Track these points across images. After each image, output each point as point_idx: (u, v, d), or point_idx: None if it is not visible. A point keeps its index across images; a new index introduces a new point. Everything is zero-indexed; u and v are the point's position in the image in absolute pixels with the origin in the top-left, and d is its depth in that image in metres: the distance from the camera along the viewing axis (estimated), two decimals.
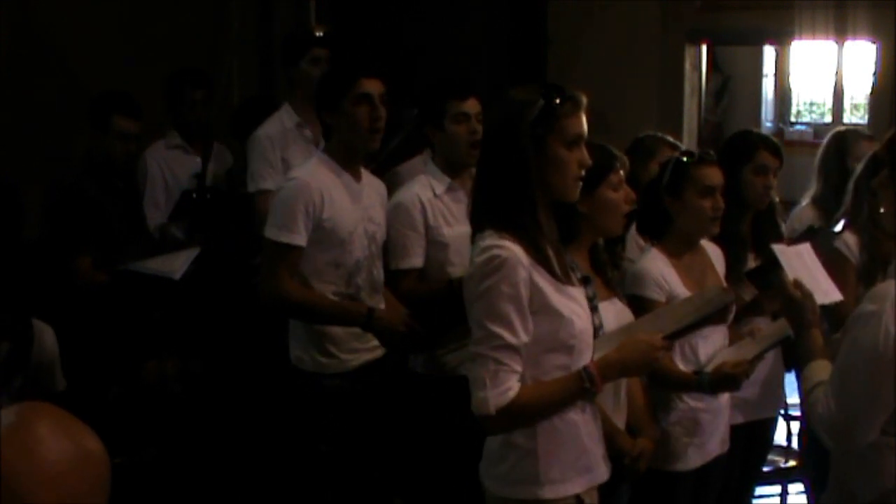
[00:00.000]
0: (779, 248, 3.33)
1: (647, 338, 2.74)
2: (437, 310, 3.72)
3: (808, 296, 2.91)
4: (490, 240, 2.59)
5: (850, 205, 4.09)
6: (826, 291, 3.21)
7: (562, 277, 2.65)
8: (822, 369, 2.72)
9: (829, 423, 2.62)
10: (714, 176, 3.54)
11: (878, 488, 2.66)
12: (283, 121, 4.68)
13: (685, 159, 3.56)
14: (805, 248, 3.47)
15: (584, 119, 2.67)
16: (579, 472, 2.73)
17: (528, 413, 2.63)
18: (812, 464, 4.42)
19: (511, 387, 2.57)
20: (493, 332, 2.55)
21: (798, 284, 2.95)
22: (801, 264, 3.24)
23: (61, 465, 1.31)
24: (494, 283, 2.55)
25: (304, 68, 4.76)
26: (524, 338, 2.57)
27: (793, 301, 2.91)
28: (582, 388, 2.65)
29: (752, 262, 3.92)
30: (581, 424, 2.73)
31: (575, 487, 2.72)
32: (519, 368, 2.58)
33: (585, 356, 2.70)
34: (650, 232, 3.70)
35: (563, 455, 2.69)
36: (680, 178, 3.54)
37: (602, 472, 2.83)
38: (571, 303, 2.66)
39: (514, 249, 2.56)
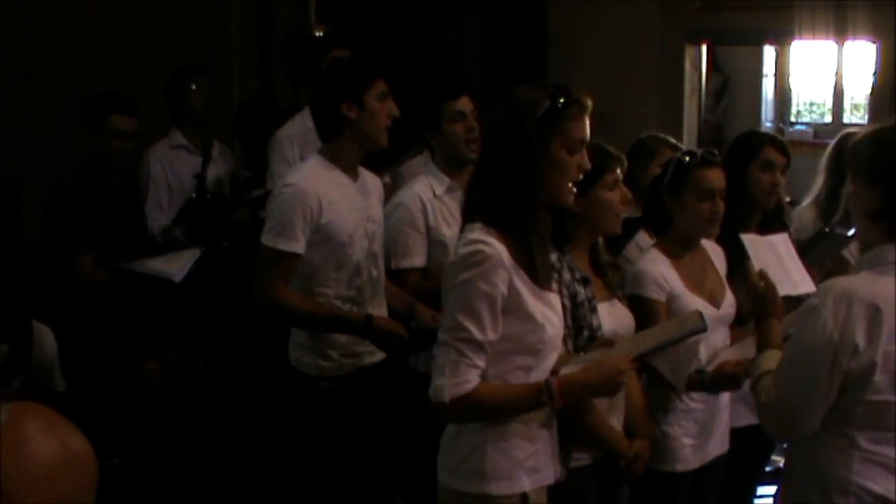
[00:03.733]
0: (748, 239, 3.34)
1: (614, 361, 2.74)
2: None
3: (770, 287, 2.95)
4: (477, 233, 2.61)
5: (845, 209, 4.10)
6: (797, 283, 3.23)
7: (541, 282, 2.66)
8: (771, 359, 2.75)
9: (770, 412, 2.65)
10: (715, 179, 3.52)
11: (826, 490, 2.65)
12: (304, 121, 4.68)
13: (686, 160, 3.55)
14: (781, 239, 3.47)
15: (587, 123, 2.69)
16: (527, 472, 2.74)
17: (481, 410, 2.66)
18: None
19: (469, 380, 2.60)
20: (462, 324, 2.58)
21: (763, 275, 2.98)
22: (773, 255, 3.26)
23: (49, 465, 1.31)
24: (472, 277, 2.57)
25: None
26: (491, 336, 2.60)
27: (756, 291, 2.95)
28: (540, 401, 2.67)
29: None
30: (533, 425, 2.74)
31: (522, 486, 2.73)
32: (481, 364, 2.61)
33: (549, 361, 2.73)
34: (655, 228, 3.71)
35: (512, 452, 2.71)
36: (680, 180, 3.53)
37: (551, 474, 2.84)
38: (546, 309, 2.68)
39: (498, 248, 2.58)
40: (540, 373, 2.71)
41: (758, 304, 2.98)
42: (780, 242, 3.44)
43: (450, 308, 2.63)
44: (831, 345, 2.51)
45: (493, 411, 2.68)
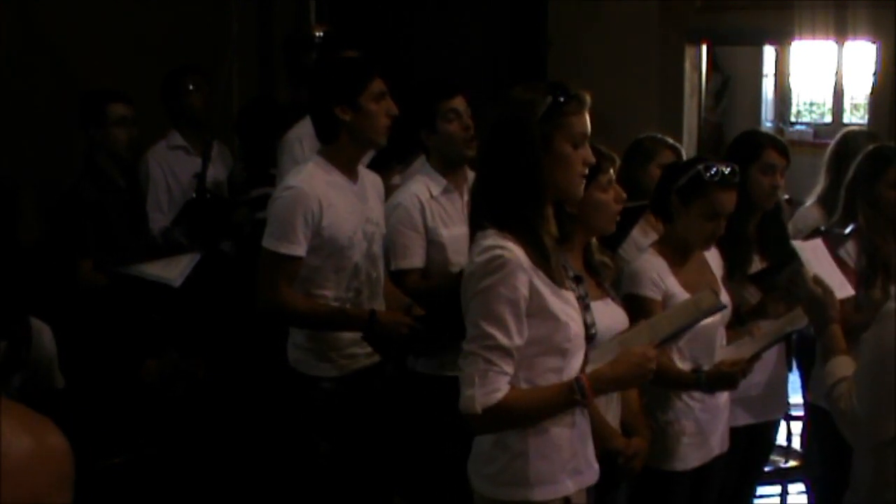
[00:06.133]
0: (798, 244, 3.32)
1: (640, 350, 2.72)
2: (444, 303, 3.70)
3: (828, 292, 2.91)
4: (492, 239, 2.59)
5: (843, 209, 4.10)
6: (840, 286, 3.20)
7: (558, 280, 2.66)
8: (844, 365, 2.73)
9: (852, 419, 2.64)
10: (728, 202, 3.50)
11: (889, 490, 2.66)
12: None
13: (706, 175, 3.50)
14: (818, 243, 3.46)
15: (587, 118, 2.68)
16: (569, 475, 2.73)
17: (514, 416, 2.63)
18: (812, 464, 4.42)
19: (499, 388, 2.57)
20: (487, 332, 2.55)
21: (818, 280, 2.94)
22: (817, 259, 3.24)
23: (21, 460, 1.31)
24: (493, 283, 2.55)
25: None
26: (518, 341, 2.57)
27: (814, 298, 2.91)
28: (572, 399, 2.65)
29: (757, 264, 3.92)
30: (572, 427, 2.73)
31: (565, 489, 2.72)
32: (510, 370, 2.58)
33: (577, 359, 2.71)
34: (661, 215, 3.71)
35: (555, 457, 2.70)
36: (694, 191, 3.51)
37: (592, 475, 2.83)
38: (567, 307, 2.67)
39: (516, 252, 2.57)
40: (569, 373, 2.68)
41: (816, 311, 2.93)
42: (818, 247, 3.42)
43: (473, 317, 2.59)
44: None
45: (525, 417, 2.65)
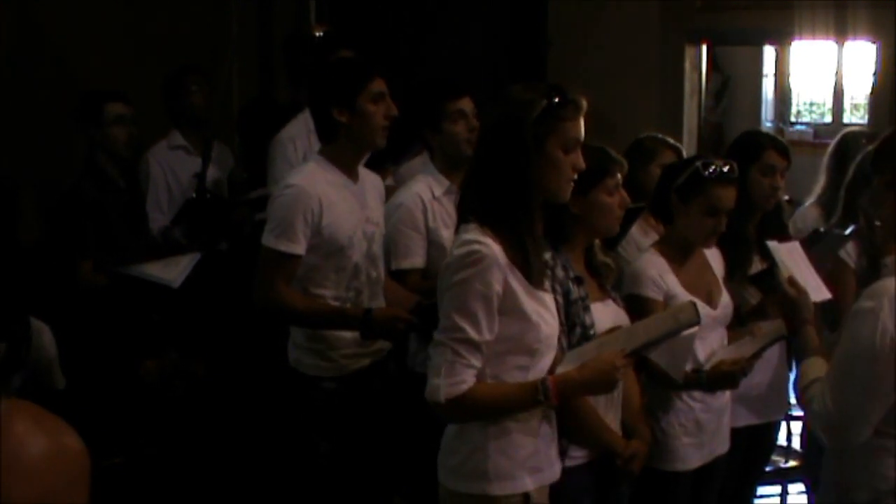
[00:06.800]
0: (774, 245, 3.33)
1: (609, 357, 2.73)
2: None
3: (803, 293, 2.92)
4: (472, 234, 2.62)
5: (843, 210, 4.10)
6: (816, 289, 3.21)
7: (535, 281, 2.67)
8: (818, 366, 2.72)
9: (826, 420, 2.62)
10: (727, 198, 3.49)
11: (872, 490, 2.65)
12: (307, 122, 4.67)
13: (704, 172, 3.49)
14: (794, 246, 3.46)
15: (582, 124, 2.69)
16: (529, 471, 2.75)
17: (478, 409, 2.67)
18: (812, 464, 4.42)
19: (465, 380, 2.61)
20: (458, 324, 2.59)
21: (793, 281, 2.95)
22: (793, 261, 3.24)
23: (37, 460, 1.32)
24: (468, 277, 2.58)
25: None
26: (487, 336, 2.61)
27: (788, 298, 2.92)
28: (536, 400, 2.67)
29: (758, 264, 3.92)
30: (534, 424, 2.75)
31: (523, 485, 2.74)
32: (477, 364, 2.62)
33: (547, 359, 2.74)
34: (660, 216, 3.70)
35: (514, 453, 2.72)
36: (692, 188, 3.51)
37: (553, 473, 2.85)
38: (541, 308, 2.69)
39: (493, 248, 2.59)
40: (536, 372, 2.71)
41: (790, 312, 2.93)
42: (795, 249, 3.43)
43: (446, 308, 2.64)
44: (894, 349, 2.49)
45: (489, 411, 2.69)
